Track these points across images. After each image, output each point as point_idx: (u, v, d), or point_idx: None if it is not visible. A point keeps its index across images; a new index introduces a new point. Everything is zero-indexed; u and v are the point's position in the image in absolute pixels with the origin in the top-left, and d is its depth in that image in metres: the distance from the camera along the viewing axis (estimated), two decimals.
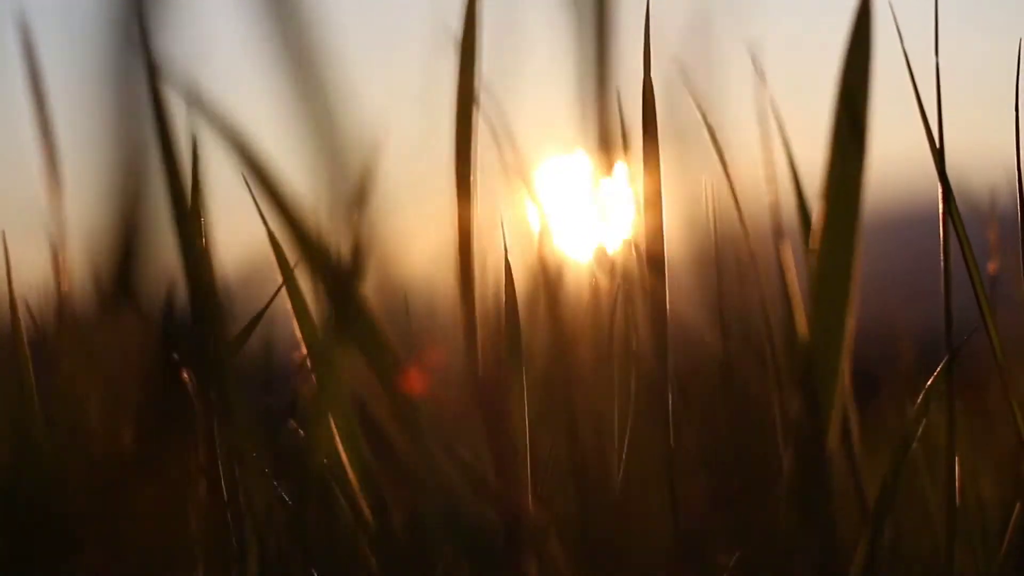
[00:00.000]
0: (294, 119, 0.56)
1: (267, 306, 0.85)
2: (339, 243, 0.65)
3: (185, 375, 0.71)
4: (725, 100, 0.82)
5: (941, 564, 0.84)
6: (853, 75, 0.73)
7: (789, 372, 0.80)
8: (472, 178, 0.78)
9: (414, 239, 0.70)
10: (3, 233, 0.90)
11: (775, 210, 0.81)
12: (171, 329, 0.75)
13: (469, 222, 0.77)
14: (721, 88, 0.81)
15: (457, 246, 0.77)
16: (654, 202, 0.79)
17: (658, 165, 0.80)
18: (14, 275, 0.88)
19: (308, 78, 0.55)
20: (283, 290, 0.83)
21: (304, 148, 0.57)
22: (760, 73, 0.87)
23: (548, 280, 0.75)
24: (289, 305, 0.83)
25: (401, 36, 0.79)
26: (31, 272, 0.88)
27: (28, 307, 0.86)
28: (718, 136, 0.83)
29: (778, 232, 0.80)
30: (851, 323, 0.75)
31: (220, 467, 0.78)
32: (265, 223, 0.85)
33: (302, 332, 0.82)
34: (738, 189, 0.84)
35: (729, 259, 0.86)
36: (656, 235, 0.78)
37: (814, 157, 0.76)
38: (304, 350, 0.82)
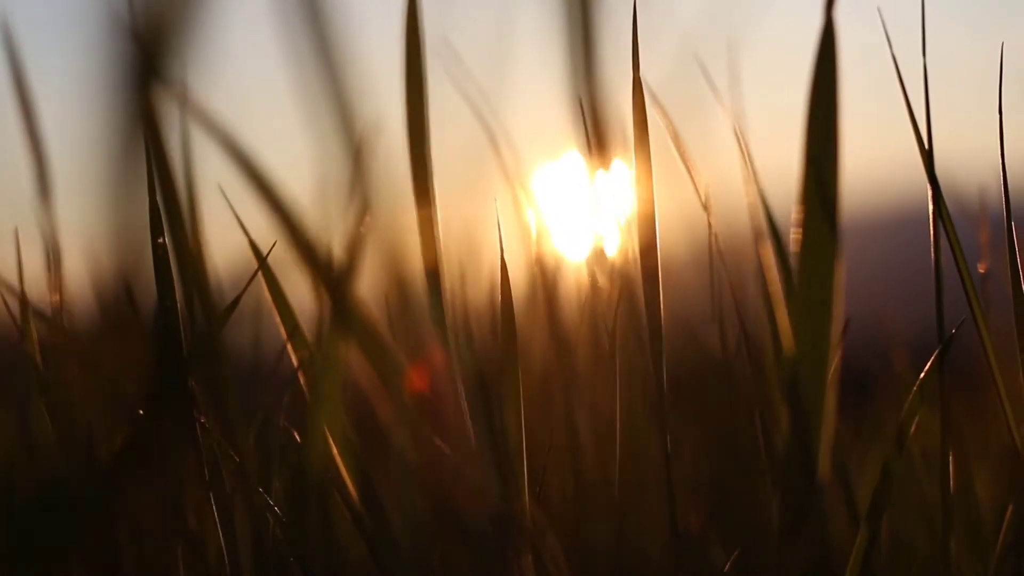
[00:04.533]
0: (308, 108, 0.56)
1: (242, 292, 0.84)
2: (335, 240, 0.64)
3: (182, 376, 0.70)
4: (709, 105, 0.82)
5: (937, 563, 0.84)
6: (822, 84, 0.72)
7: (777, 381, 0.80)
8: (430, 168, 0.77)
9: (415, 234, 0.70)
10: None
11: (754, 214, 0.80)
12: (166, 331, 0.74)
13: (431, 213, 0.77)
14: (706, 92, 0.81)
15: (421, 241, 0.76)
16: (646, 202, 0.79)
17: (650, 165, 0.79)
18: (11, 277, 0.87)
19: (328, 71, 0.55)
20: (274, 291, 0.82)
21: (316, 138, 0.57)
22: (734, 79, 0.87)
23: (545, 279, 0.75)
24: (275, 308, 0.83)
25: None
26: (29, 274, 0.88)
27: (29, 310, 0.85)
28: (685, 144, 0.83)
29: (758, 236, 0.79)
30: (836, 329, 0.74)
31: (213, 467, 0.77)
32: (243, 228, 0.85)
33: (286, 330, 0.81)
34: (711, 194, 0.84)
35: (716, 261, 0.86)
36: (649, 235, 0.78)
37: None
38: (290, 347, 0.81)
